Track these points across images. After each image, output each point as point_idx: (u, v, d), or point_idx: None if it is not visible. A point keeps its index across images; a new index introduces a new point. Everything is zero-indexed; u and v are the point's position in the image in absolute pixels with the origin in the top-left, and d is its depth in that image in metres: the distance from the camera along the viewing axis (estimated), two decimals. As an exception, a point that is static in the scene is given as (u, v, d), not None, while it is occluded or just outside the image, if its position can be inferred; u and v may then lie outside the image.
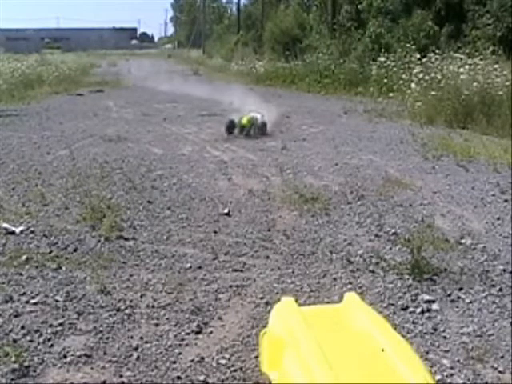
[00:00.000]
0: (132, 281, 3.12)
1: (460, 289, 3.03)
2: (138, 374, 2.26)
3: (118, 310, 2.78)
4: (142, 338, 2.52)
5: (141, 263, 3.37)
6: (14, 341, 2.46)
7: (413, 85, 10.06)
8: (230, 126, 7.99)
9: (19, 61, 19.56)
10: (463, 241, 3.75)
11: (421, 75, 10.06)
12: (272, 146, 7.20)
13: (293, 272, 3.26)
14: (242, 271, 3.28)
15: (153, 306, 2.82)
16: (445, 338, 2.55)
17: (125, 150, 6.86)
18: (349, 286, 3.06)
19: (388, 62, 13.12)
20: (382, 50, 14.41)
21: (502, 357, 2.40)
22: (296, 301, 2.10)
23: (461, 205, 4.62)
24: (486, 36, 13.86)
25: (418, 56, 11.62)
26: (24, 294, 2.93)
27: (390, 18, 17.31)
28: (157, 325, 2.65)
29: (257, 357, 2.27)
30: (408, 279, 3.14)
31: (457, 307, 2.84)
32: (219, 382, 2.23)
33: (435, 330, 2.62)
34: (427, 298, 2.91)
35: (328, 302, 2.83)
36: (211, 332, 2.59)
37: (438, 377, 2.24)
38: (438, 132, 7.97)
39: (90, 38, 61.17)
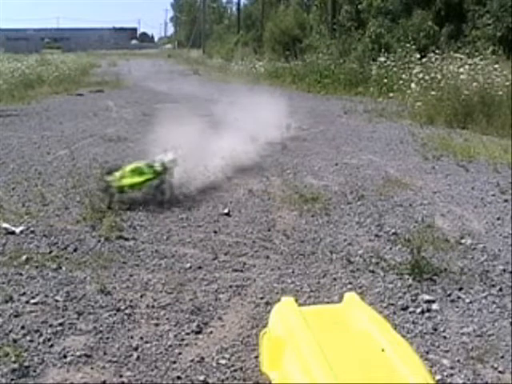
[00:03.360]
0: (132, 281, 3.12)
1: (460, 289, 3.03)
2: (138, 374, 2.26)
3: (118, 310, 2.78)
4: (142, 338, 2.52)
5: (141, 263, 3.37)
6: (14, 341, 2.46)
7: (413, 85, 10.06)
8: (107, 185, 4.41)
9: (19, 61, 19.54)
10: (463, 241, 3.75)
11: (421, 75, 10.06)
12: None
13: (293, 272, 3.26)
14: (242, 271, 3.28)
15: (153, 306, 2.82)
16: (445, 337, 2.55)
17: (125, 149, 6.85)
18: (349, 286, 3.06)
19: (388, 62, 13.13)
20: (382, 50, 14.44)
21: (502, 357, 2.40)
22: (296, 301, 2.10)
23: (461, 205, 4.62)
24: (486, 36, 13.88)
25: (418, 56, 11.64)
26: (24, 293, 2.92)
27: (390, 18, 17.34)
28: (157, 325, 2.64)
29: (257, 357, 2.27)
30: (408, 279, 3.14)
31: (457, 307, 2.84)
32: (219, 382, 2.23)
33: (435, 329, 2.62)
34: (427, 297, 2.91)
35: (328, 302, 2.83)
36: (211, 332, 2.59)
37: (438, 377, 2.24)
38: (437, 132, 7.97)
39: (89, 37, 61.28)
